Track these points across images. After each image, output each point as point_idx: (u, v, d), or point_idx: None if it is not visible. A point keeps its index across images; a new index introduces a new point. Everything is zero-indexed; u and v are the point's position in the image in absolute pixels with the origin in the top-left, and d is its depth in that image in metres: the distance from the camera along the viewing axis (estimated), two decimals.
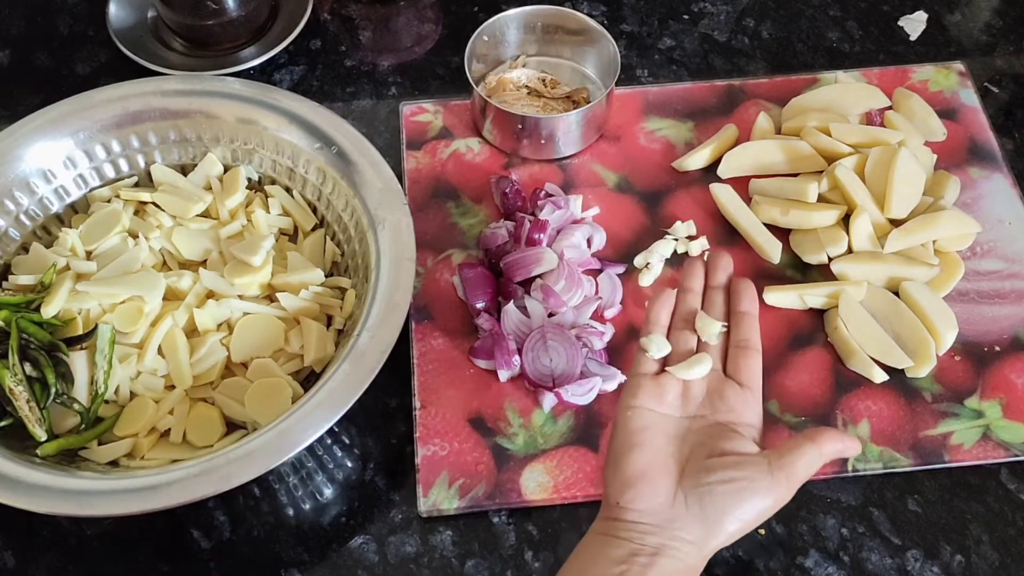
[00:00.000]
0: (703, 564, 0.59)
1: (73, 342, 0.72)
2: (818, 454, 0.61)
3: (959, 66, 0.95)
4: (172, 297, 0.76)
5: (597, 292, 0.81)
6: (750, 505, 0.59)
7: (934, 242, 0.82)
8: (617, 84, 0.87)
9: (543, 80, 0.92)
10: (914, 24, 1.00)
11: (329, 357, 0.74)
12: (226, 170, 0.84)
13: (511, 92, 0.91)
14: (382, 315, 0.70)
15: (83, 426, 0.71)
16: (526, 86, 0.92)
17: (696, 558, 0.58)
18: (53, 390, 0.70)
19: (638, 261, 0.83)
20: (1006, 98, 0.94)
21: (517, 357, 0.76)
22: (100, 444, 0.71)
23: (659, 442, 0.62)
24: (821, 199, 0.84)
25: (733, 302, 0.69)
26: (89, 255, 0.79)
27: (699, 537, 0.58)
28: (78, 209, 0.82)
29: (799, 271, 0.83)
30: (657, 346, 0.67)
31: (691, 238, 0.84)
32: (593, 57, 0.92)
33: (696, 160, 0.88)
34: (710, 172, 0.88)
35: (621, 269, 0.82)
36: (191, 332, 0.75)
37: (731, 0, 1.02)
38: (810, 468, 0.61)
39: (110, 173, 0.83)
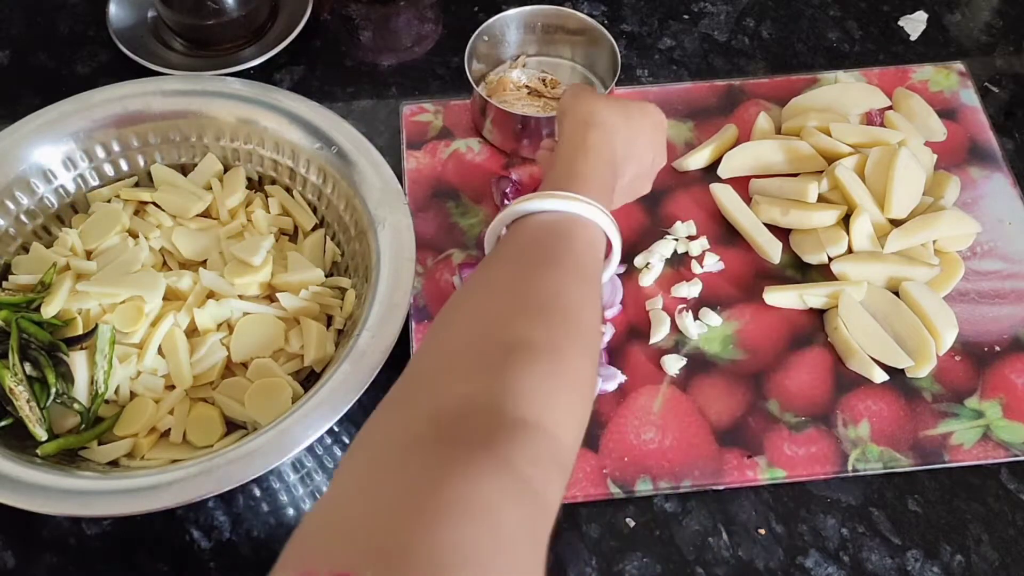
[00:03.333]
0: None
1: (73, 342, 0.72)
2: None
3: (959, 66, 0.95)
4: (172, 297, 0.76)
5: None
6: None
7: (934, 242, 0.82)
8: (617, 84, 0.87)
9: (543, 80, 0.92)
10: (914, 24, 1.00)
11: (329, 357, 0.74)
12: (226, 170, 0.84)
13: (511, 92, 0.91)
14: (382, 315, 0.70)
15: (83, 426, 0.71)
16: (526, 86, 0.92)
17: None
18: (53, 390, 0.70)
19: (638, 261, 0.83)
20: (1006, 98, 0.94)
21: None
22: (100, 444, 0.71)
23: None
24: (821, 199, 0.84)
25: None
26: (89, 255, 0.79)
27: None
28: (78, 209, 0.82)
29: (799, 271, 0.83)
30: None
31: (691, 238, 0.84)
32: (593, 57, 0.92)
33: (696, 160, 0.88)
34: (710, 172, 0.88)
35: (621, 269, 0.82)
36: (191, 332, 0.75)
37: (731, 0, 1.02)
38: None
39: (110, 173, 0.83)
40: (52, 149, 0.80)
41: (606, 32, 0.89)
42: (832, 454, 0.74)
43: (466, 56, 0.87)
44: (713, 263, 0.83)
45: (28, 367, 0.71)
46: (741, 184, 0.86)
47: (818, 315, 0.81)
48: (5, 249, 0.79)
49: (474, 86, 0.86)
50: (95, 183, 0.83)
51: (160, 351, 0.74)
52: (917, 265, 0.80)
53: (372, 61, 0.97)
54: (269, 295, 0.78)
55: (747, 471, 0.73)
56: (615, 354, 0.78)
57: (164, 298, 0.75)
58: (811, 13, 1.01)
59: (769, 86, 0.94)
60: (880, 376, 0.77)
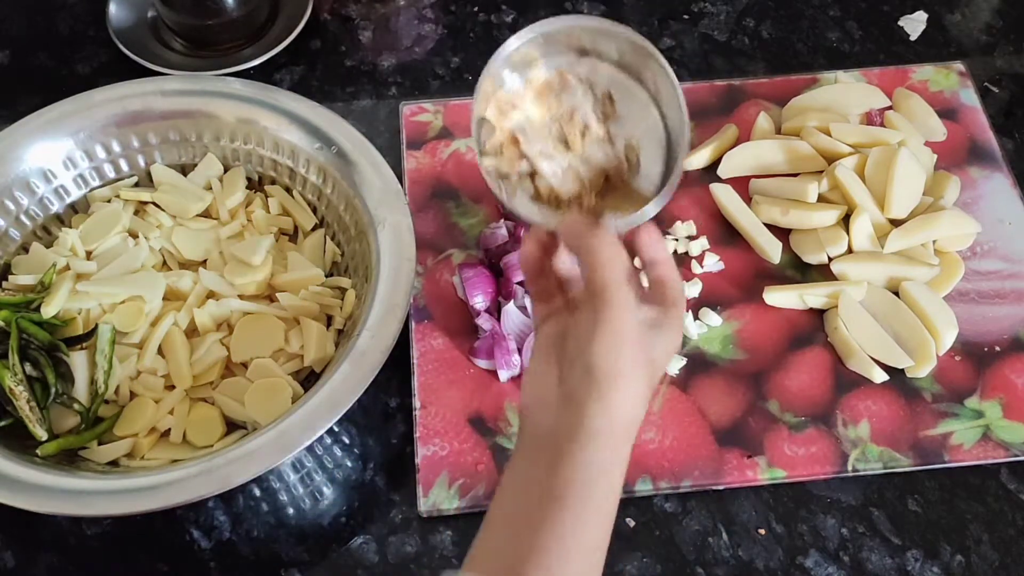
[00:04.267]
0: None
1: (73, 342, 0.72)
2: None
3: (959, 66, 0.95)
4: (172, 297, 0.76)
5: None
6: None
7: (934, 242, 0.82)
8: None
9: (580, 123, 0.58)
10: (914, 24, 1.00)
11: (329, 357, 0.74)
12: (226, 170, 0.84)
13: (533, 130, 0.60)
14: (382, 315, 0.70)
15: (83, 426, 0.71)
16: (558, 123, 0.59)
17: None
18: (53, 390, 0.71)
19: (638, 262, 0.83)
20: (1006, 98, 0.94)
21: (517, 357, 0.76)
22: (100, 444, 0.71)
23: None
24: (821, 199, 0.84)
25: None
26: (89, 255, 0.79)
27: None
28: (78, 209, 0.82)
29: (799, 271, 0.83)
30: None
31: (691, 238, 0.84)
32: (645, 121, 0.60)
33: (696, 160, 0.88)
34: (710, 172, 0.88)
35: None
36: (191, 332, 0.75)
37: (731, 0, 1.02)
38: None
39: (110, 173, 0.83)
40: (52, 149, 0.80)
41: (674, 81, 0.58)
42: (832, 454, 0.74)
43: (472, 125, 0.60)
44: (713, 263, 0.83)
45: (28, 367, 0.71)
46: (741, 184, 0.86)
47: (818, 315, 0.81)
48: (5, 249, 0.79)
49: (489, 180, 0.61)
50: (95, 183, 0.83)
51: (160, 351, 0.74)
52: (917, 265, 0.80)
53: (372, 61, 0.97)
54: (269, 295, 0.78)
55: (747, 471, 0.73)
56: None
57: (164, 298, 0.75)
58: (811, 13, 1.01)
59: (769, 86, 0.94)
60: (880, 376, 0.77)
